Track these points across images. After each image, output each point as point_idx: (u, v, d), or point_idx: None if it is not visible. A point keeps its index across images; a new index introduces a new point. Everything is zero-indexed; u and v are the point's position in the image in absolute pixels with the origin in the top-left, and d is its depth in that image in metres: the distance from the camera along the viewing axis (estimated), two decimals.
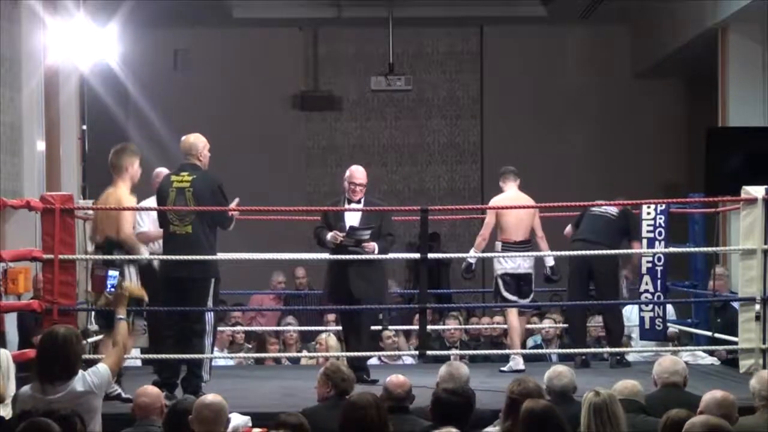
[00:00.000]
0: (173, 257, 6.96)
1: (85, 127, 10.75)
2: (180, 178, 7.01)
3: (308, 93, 14.71)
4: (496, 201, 8.65)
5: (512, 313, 8.60)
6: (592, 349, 8.90)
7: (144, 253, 7.08)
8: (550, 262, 8.60)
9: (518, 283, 8.47)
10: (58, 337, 5.03)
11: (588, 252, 8.22)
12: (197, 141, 7.16)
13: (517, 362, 8.38)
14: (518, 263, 8.43)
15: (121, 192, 7.02)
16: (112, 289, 5.88)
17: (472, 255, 8.52)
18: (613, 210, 8.65)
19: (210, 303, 7.08)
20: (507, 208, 8.44)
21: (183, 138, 7.21)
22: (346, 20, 13.92)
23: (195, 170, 7.06)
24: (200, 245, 6.98)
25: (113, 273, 6.01)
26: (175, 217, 6.96)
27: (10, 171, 9.43)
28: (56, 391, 4.94)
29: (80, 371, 5.05)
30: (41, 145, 9.97)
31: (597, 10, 13.14)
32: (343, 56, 14.80)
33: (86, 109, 10.81)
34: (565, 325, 9.79)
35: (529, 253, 8.45)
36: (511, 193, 8.61)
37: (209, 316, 7.19)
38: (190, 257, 6.93)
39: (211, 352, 7.35)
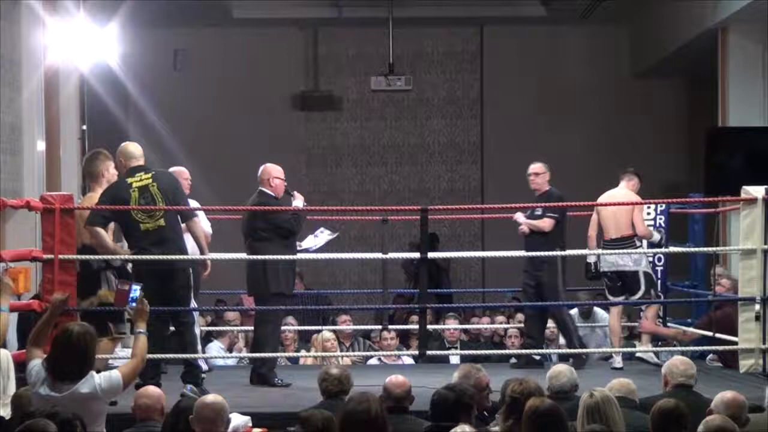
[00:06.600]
0: (177, 257, 7.07)
1: (85, 127, 10.76)
2: (137, 179, 7.05)
3: (308, 93, 14.71)
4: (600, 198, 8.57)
5: (612, 315, 8.62)
6: (588, 350, 8.87)
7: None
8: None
9: (621, 281, 8.36)
10: (72, 335, 4.97)
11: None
12: (139, 148, 7.23)
13: (618, 360, 8.35)
14: (613, 260, 8.33)
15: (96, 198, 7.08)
16: (133, 304, 5.88)
17: (590, 252, 8.38)
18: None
19: (191, 293, 7.30)
20: (510, 206, 8.45)
21: (124, 144, 7.25)
22: (346, 20, 13.93)
23: (149, 170, 7.15)
24: (176, 236, 7.11)
25: (136, 287, 6.02)
26: (144, 214, 6.99)
27: (10, 171, 9.44)
28: (62, 390, 4.92)
29: (92, 373, 5.01)
30: (41, 145, 9.98)
31: (597, 10, 13.15)
32: (343, 56, 14.81)
33: (86, 109, 10.82)
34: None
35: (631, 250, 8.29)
36: (612, 191, 8.56)
37: (192, 305, 7.43)
38: (185, 257, 7.14)
39: (200, 340, 7.52)
